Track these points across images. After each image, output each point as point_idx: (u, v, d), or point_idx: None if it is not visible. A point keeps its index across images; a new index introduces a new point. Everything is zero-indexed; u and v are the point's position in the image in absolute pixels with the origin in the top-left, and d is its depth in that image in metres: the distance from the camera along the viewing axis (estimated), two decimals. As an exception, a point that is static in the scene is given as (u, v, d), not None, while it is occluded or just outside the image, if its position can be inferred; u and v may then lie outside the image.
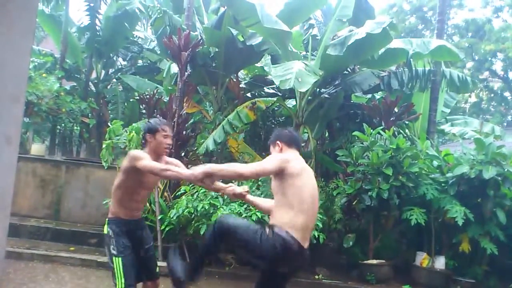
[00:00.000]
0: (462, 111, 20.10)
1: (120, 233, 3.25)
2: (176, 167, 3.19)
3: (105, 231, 3.30)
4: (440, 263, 6.47)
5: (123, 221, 3.29)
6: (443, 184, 6.49)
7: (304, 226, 2.84)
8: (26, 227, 6.78)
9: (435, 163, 6.78)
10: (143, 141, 3.38)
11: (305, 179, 2.91)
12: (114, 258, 3.19)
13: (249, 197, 3.29)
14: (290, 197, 2.84)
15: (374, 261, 6.45)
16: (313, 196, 2.96)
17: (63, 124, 11.33)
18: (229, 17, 7.81)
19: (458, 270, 6.58)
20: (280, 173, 2.88)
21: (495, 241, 6.24)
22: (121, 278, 3.15)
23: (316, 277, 6.30)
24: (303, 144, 8.63)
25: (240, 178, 3.01)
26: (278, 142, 3.14)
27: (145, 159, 3.12)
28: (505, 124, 18.55)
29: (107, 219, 3.33)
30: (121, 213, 3.29)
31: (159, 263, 5.90)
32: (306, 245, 2.87)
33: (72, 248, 6.40)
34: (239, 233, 2.84)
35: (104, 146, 7.19)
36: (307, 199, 2.88)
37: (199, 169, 2.89)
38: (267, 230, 2.81)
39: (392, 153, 6.28)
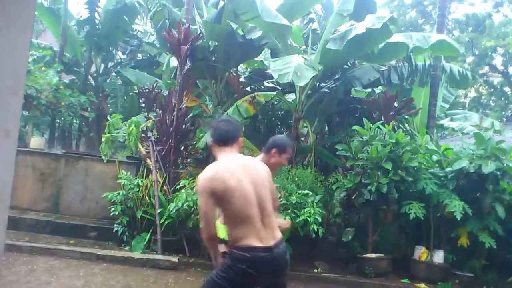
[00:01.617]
0: (462, 105, 20.09)
1: None
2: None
3: None
4: (438, 257, 6.49)
5: None
6: (442, 179, 6.49)
7: (257, 228, 2.51)
8: (26, 220, 6.79)
9: (435, 157, 6.78)
10: (265, 152, 3.40)
11: (239, 191, 2.50)
12: None
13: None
14: (233, 215, 2.53)
15: (373, 255, 6.47)
16: (258, 195, 2.56)
17: (62, 118, 11.33)
18: (228, 11, 7.78)
19: (456, 264, 6.62)
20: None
21: (493, 235, 6.25)
22: None
23: (315, 270, 6.33)
24: (302, 138, 8.65)
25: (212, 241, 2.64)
26: (212, 142, 2.80)
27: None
28: (504, 119, 18.52)
29: None
30: None
31: (159, 257, 5.97)
32: (271, 242, 2.53)
33: (71, 241, 6.42)
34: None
35: (103, 139, 7.21)
36: (251, 207, 2.52)
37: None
38: (224, 260, 2.58)
39: (392, 148, 6.28)
